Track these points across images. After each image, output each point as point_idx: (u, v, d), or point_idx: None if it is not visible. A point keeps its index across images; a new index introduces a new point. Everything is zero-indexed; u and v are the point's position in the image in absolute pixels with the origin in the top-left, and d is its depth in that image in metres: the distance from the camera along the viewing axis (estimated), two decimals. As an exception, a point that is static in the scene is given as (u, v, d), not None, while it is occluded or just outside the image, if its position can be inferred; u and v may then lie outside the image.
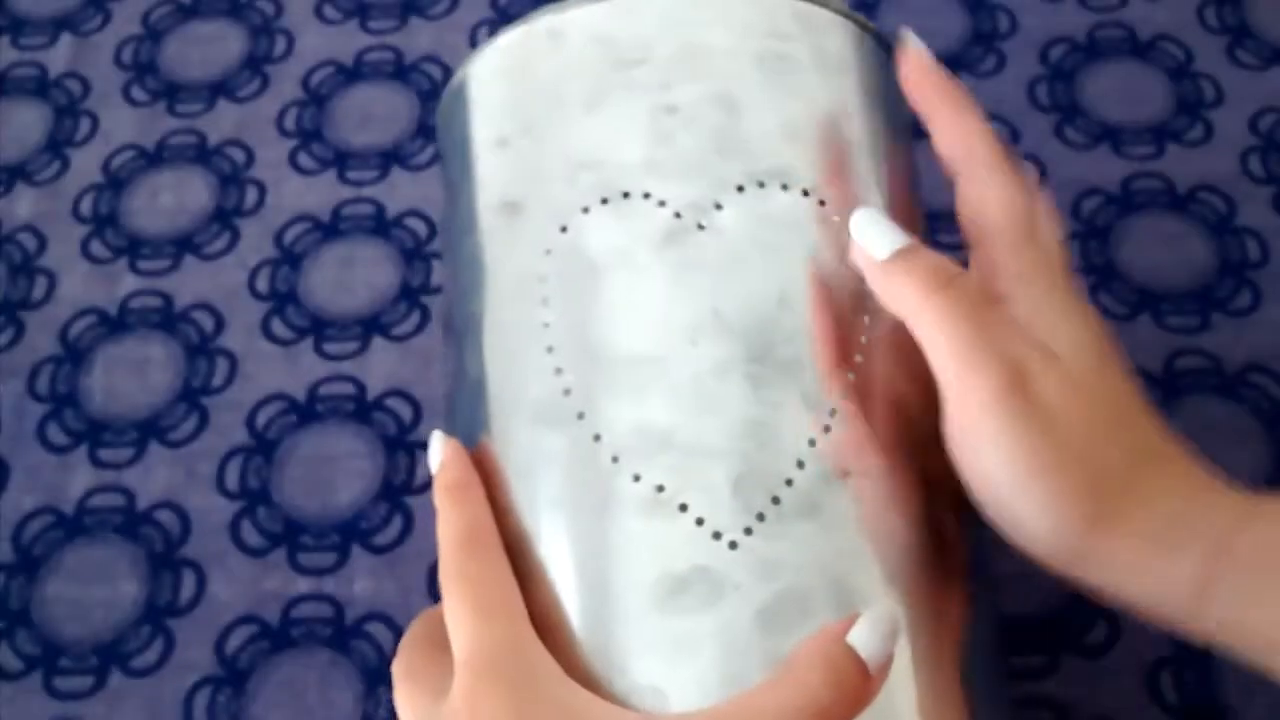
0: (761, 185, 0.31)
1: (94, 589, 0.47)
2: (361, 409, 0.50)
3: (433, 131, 0.58)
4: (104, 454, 0.50)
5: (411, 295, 0.53)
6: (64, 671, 0.45)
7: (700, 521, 0.28)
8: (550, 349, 0.30)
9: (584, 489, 0.29)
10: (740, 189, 0.31)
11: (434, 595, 0.40)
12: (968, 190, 0.32)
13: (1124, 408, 0.29)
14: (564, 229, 0.31)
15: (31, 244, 0.56)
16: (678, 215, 0.31)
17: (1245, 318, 0.51)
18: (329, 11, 0.62)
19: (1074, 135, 0.56)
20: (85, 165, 0.58)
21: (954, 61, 0.59)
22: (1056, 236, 0.31)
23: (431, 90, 0.59)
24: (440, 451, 0.31)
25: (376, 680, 0.45)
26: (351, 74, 0.60)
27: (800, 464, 0.29)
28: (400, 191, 0.56)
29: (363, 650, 0.45)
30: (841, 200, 0.32)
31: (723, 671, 0.27)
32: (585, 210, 0.31)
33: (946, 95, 0.33)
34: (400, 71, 0.60)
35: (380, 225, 0.55)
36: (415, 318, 0.53)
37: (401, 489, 0.48)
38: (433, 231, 0.55)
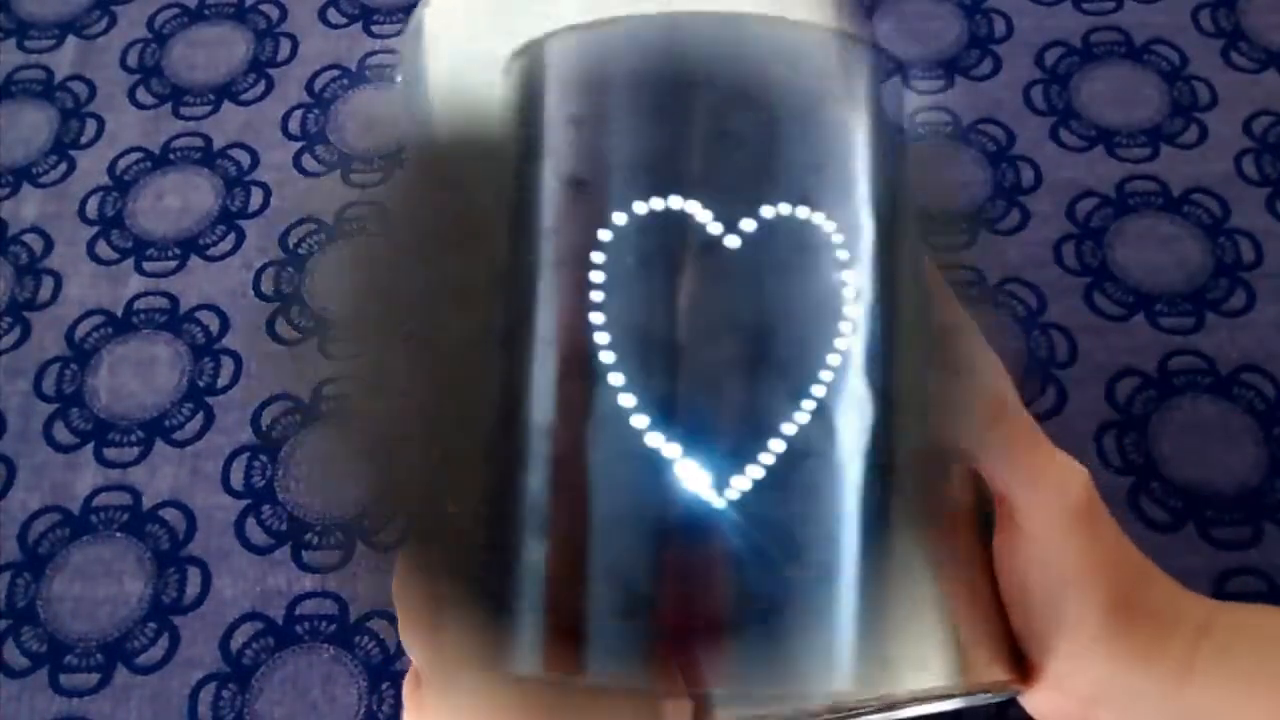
0: (790, 207, 0.33)
1: (100, 587, 0.47)
2: (365, 409, 0.51)
3: (435, 134, 0.58)
4: (110, 453, 0.50)
5: (414, 296, 0.54)
6: (70, 668, 0.46)
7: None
8: None
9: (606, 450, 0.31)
10: (767, 209, 0.33)
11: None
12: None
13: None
14: (611, 219, 0.33)
15: (38, 245, 0.56)
16: (707, 228, 0.33)
17: (1239, 318, 0.51)
18: (333, 16, 0.63)
19: (1069, 138, 0.57)
20: (91, 167, 0.58)
21: (950, 65, 0.59)
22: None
23: (434, 93, 0.60)
24: None
25: (380, 676, 0.45)
26: (355, 77, 0.61)
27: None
28: (403, 194, 0.57)
29: (366, 647, 0.46)
30: (844, 219, 0.34)
31: None
32: (631, 207, 0.33)
33: None
34: (403, 75, 0.61)
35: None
36: (418, 318, 0.53)
37: (404, 488, 0.49)
38: (435, 233, 0.55)
